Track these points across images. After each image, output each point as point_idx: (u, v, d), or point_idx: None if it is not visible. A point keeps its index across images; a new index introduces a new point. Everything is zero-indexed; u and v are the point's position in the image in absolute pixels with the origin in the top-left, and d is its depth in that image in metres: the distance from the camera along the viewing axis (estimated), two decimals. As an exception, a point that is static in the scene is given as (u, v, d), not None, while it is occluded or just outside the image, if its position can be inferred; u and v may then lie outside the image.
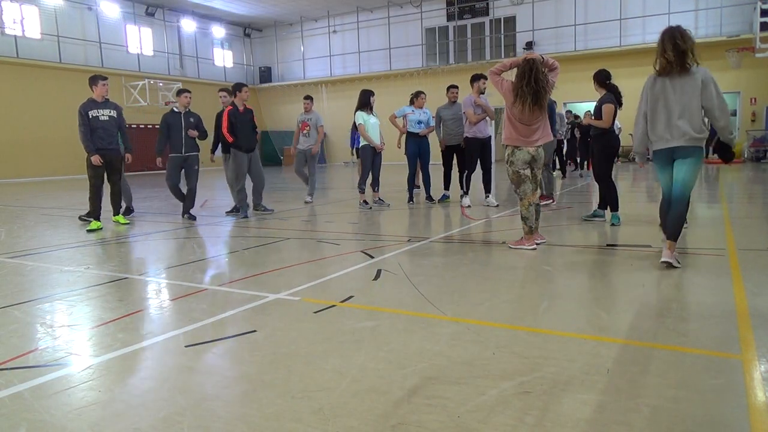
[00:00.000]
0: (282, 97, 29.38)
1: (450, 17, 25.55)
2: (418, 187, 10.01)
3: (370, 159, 8.70)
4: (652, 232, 5.84)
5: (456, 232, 6.54)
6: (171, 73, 26.10)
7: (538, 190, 5.34)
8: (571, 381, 2.32)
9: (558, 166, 13.37)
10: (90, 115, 6.99)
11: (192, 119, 7.75)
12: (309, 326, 3.14)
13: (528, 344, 2.78)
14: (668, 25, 4.30)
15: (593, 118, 6.49)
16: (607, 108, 6.25)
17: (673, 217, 4.27)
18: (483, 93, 8.25)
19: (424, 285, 3.97)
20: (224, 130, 7.64)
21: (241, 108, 7.77)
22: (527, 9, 23.66)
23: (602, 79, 6.43)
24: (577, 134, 14.53)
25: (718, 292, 3.62)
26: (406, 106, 9.33)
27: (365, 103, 8.65)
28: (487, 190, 8.60)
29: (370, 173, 8.80)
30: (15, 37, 20.32)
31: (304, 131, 9.47)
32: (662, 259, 4.19)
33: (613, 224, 6.32)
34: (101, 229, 7.04)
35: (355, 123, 8.79)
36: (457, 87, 8.92)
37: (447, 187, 9.12)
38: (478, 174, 8.68)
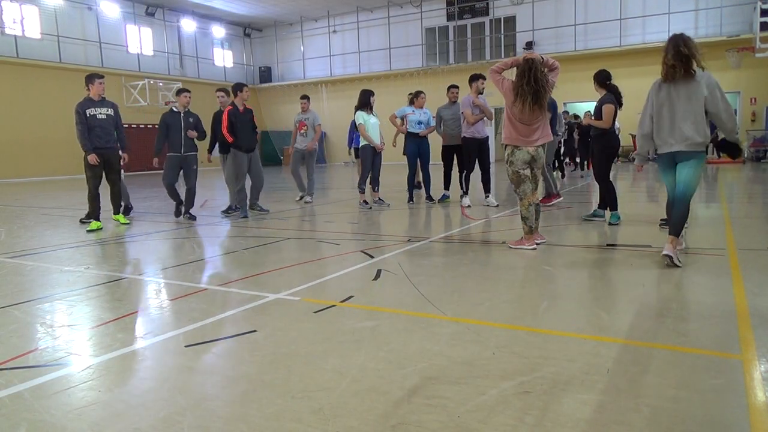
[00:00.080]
0: (282, 97, 29.37)
1: (450, 17, 25.56)
2: (420, 186, 10.01)
3: (370, 159, 8.70)
4: (652, 232, 5.84)
5: (456, 232, 6.54)
6: (171, 73, 26.12)
7: (538, 190, 5.34)
8: (571, 381, 2.32)
9: (557, 166, 13.36)
10: (87, 113, 6.97)
11: (191, 119, 7.75)
12: (309, 326, 3.14)
13: (528, 344, 2.78)
14: (674, 33, 4.41)
15: (593, 118, 6.50)
16: (608, 108, 6.27)
17: (676, 216, 4.39)
18: (481, 93, 8.24)
19: (424, 285, 3.96)
20: (224, 129, 7.64)
21: (241, 108, 7.76)
22: (527, 9, 23.67)
23: (602, 79, 6.44)
24: (577, 135, 14.53)
25: (718, 292, 3.62)
26: (406, 107, 9.34)
27: (365, 103, 8.65)
28: (487, 190, 8.61)
29: (370, 173, 8.81)
30: (15, 37, 20.34)
31: (302, 131, 9.47)
32: (663, 252, 4.27)
33: (611, 223, 6.33)
34: (101, 229, 7.04)
35: (353, 122, 8.78)
36: (457, 87, 8.92)
37: (447, 187, 9.13)
38: (478, 174, 8.69)
